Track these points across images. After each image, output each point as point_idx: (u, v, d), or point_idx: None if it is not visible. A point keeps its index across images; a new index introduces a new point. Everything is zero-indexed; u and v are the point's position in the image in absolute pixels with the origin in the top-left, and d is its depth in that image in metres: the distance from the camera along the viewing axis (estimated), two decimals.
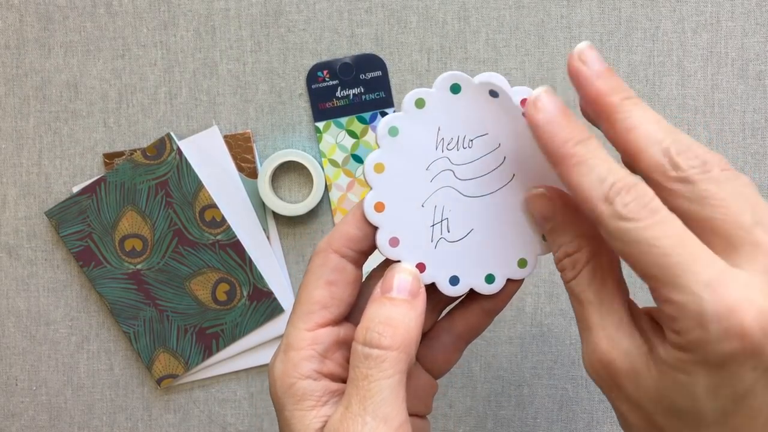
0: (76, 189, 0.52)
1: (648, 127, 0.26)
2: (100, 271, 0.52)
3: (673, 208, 0.25)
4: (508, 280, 0.31)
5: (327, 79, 0.51)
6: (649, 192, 0.25)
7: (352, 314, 0.31)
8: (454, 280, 0.30)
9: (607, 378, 0.27)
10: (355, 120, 0.51)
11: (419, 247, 0.30)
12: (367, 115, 0.51)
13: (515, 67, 0.51)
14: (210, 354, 0.52)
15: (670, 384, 0.25)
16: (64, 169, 0.52)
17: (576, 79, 0.27)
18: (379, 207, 0.29)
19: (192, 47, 0.51)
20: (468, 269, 0.30)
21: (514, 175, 0.30)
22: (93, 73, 0.52)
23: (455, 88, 0.29)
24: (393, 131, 0.29)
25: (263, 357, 0.52)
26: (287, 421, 0.28)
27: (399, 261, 0.30)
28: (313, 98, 0.51)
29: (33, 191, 0.52)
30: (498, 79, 0.29)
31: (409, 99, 0.29)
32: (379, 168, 0.29)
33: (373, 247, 0.30)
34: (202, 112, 0.52)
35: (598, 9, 0.50)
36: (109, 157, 0.52)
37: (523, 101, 0.29)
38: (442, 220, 0.30)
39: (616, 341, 0.26)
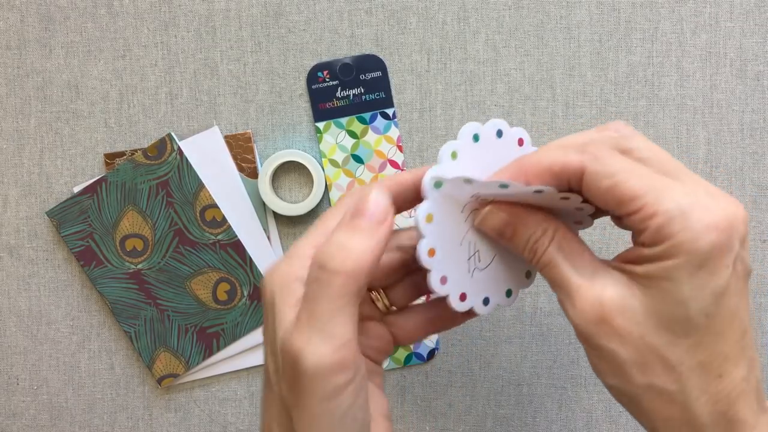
0: (77, 189, 0.52)
1: (565, 142, 0.31)
2: (100, 271, 0.52)
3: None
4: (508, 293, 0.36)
5: (327, 80, 0.51)
6: (604, 142, 0.30)
7: None
8: (486, 301, 0.34)
9: (598, 318, 0.29)
10: (356, 120, 0.51)
11: (462, 280, 0.33)
12: (367, 116, 0.51)
13: (515, 68, 0.51)
14: (210, 353, 0.52)
15: (656, 298, 0.28)
16: (65, 169, 0.52)
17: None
18: (432, 253, 0.32)
19: (193, 48, 0.52)
20: (494, 290, 0.35)
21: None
22: (94, 73, 0.52)
23: (476, 137, 0.33)
24: (438, 184, 0.31)
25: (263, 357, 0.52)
26: (274, 315, 0.29)
27: (447, 295, 0.33)
28: (314, 98, 0.51)
29: (34, 191, 0.53)
30: (501, 124, 0.34)
31: (444, 152, 0.32)
32: (429, 218, 0.31)
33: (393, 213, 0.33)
34: (203, 113, 0.52)
35: (597, 10, 0.51)
36: (110, 157, 0.52)
37: (520, 140, 0.34)
38: (475, 253, 0.33)
39: (597, 279, 0.29)
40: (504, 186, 0.31)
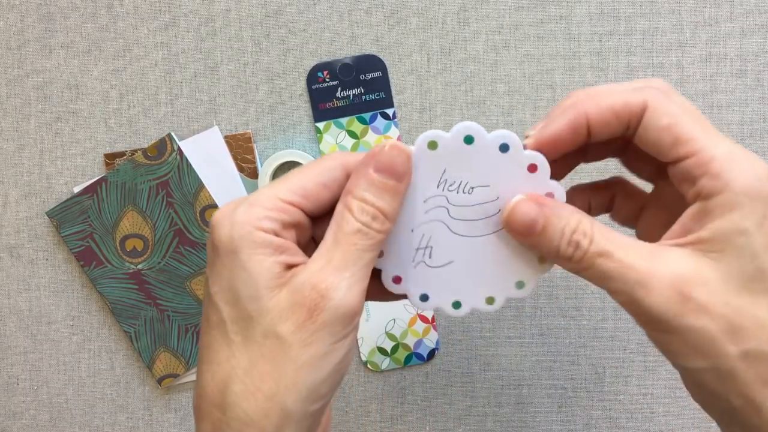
0: (77, 189, 0.52)
1: (611, 88, 0.31)
2: (101, 271, 0.52)
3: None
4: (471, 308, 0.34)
5: (327, 80, 0.51)
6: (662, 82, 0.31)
7: (316, 223, 0.33)
8: (423, 297, 0.33)
9: (679, 295, 0.28)
10: (356, 120, 0.51)
11: (401, 264, 0.33)
12: (367, 116, 0.51)
13: (515, 68, 0.51)
14: None
15: (730, 258, 0.27)
16: (65, 169, 0.52)
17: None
18: None
19: (193, 48, 0.52)
20: (439, 292, 0.33)
21: (502, 228, 0.32)
22: (94, 73, 0.52)
23: (468, 139, 0.31)
24: (432, 145, 0.31)
25: None
26: (242, 263, 0.29)
27: (380, 270, 0.33)
28: (314, 99, 0.51)
29: (34, 191, 0.53)
30: (511, 138, 0.31)
31: (422, 139, 0.32)
32: None
33: None
34: (203, 113, 0.52)
35: (597, 10, 0.51)
36: (110, 158, 0.52)
37: (532, 166, 0.31)
38: (426, 247, 0.33)
39: (664, 261, 0.28)
40: (469, 140, 0.31)
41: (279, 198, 0.30)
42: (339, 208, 0.30)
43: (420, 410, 0.52)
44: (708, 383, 0.28)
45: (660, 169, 0.32)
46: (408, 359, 0.52)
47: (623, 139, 0.32)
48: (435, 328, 0.52)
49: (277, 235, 0.30)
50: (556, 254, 0.30)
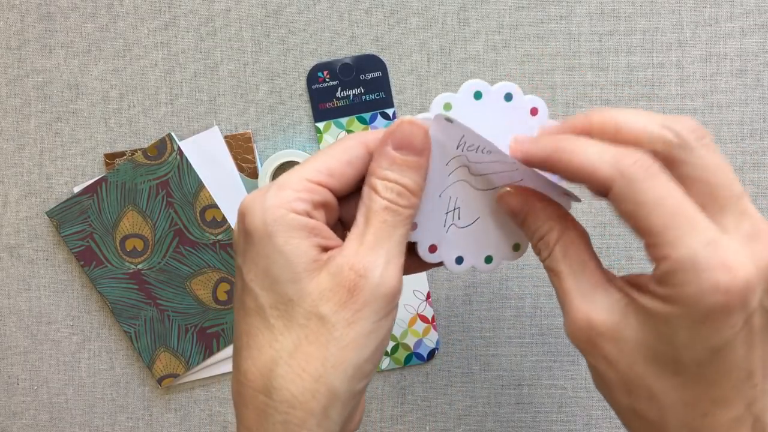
0: (77, 189, 0.52)
1: (634, 118, 0.28)
2: (101, 271, 0.52)
3: (679, 174, 0.27)
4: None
5: (327, 80, 0.51)
6: (647, 156, 0.27)
7: (342, 203, 0.33)
8: (459, 260, 0.34)
9: (587, 339, 0.29)
10: (356, 120, 0.51)
11: (434, 232, 0.33)
12: (367, 116, 0.51)
13: (515, 68, 0.51)
14: (210, 353, 0.52)
15: (651, 333, 0.27)
16: (65, 169, 0.52)
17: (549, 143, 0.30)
18: None
19: (193, 48, 0.52)
20: (471, 251, 0.34)
21: (522, 179, 0.33)
22: (94, 73, 0.52)
23: (478, 95, 0.33)
24: (448, 111, 0.32)
25: None
26: (279, 247, 0.29)
27: (415, 243, 0.33)
28: (314, 99, 0.51)
29: (34, 191, 0.53)
30: (512, 87, 0.33)
31: (438, 102, 0.32)
32: None
33: None
34: (203, 113, 0.52)
35: (597, 10, 0.51)
36: (110, 158, 0.52)
37: (534, 110, 0.33)
38: (454, 209, 0.33)
39: (594, 299, 0.29)
40: (478, 96, 0.31)
41: (307, 179, 0.30)
42: (365, 189, 0.31)
43: (420, 410, 0.52)
44: (613, 408, 0.30)
45: None
46: (408, 359, 0.52)
47: None
48: (435, 328, 0.52)
49: (309, 215, 0.30)
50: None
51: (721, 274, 0.25)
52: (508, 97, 0.33)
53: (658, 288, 0.27)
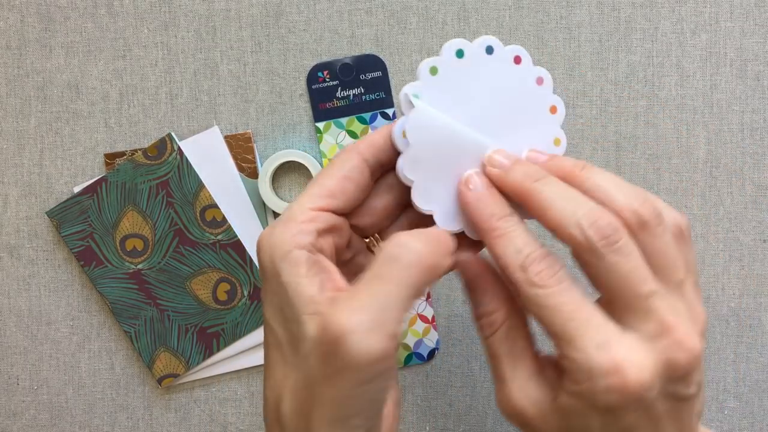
0: (77, 189, 0.52)
1: (560, 204, 0.29)
2: (101, 271, 0.52)
3: (588, 273, 0.29)
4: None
5: (327, 80, 0.51)
6: (557, 263, 0.29)
7: (352, 214, 0.33)
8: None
9: (519, 421, 0.31)
10: (356, 120, 0.51)
11: (451, 200, 0.33)
12: (367, 116, 0.51)
13: None
14: (210, 353, 0.52)
15: (570, 425, 0.29)
16: (66, 169, 0.52)
17: (473, 197, 0.32)
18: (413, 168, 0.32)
19: (193, 48, 0.52)
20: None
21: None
22: (94, 73, 0.52)
23: (459, 53, 0.32)
24: (433, 71, 0.32)
25: (263, 357, 0.52)
26: (284, 286, 0.29)
27: (432, 214, 0.33)
28: (314, 98, 0.51)
29: (34, 191, 0.53)
30: (492, 41, 0.33)
31: (424, 67, 0.32)
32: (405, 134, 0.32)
33: (391, 163, 0.33)
34: (203, 113, 0.52)
35: (597, 10, 0.51)
36: (110, 157, 0.52)
37: (517, 58, 0.33)
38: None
39: (527, 392, 0.30)
40: (490, 51, 0.32)
41: (309, 207, 0.31)
42: (377, 249, 0.31)
43: (420, 410, 0.53)
44: None
45: None
46: (408, 359, 0.52)
47: None
48: (435, 328, 0.52)
49: (315, 246, 0.30)
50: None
51: (612, 377, 0.27)
52: (489, 50, 0.33)
53: (568, 384, 0.29)
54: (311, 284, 0.29)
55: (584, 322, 0.28)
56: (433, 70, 0.32)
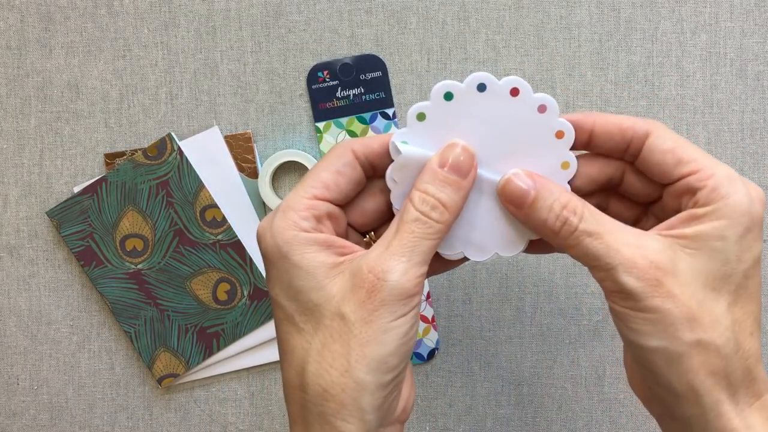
0: (77, 189, 0.52)
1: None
2: (101, 271, 0.52)
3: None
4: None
5: (327, 80, 0.51)
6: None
7: (346, 208, 0.35)
8: (482, 253, 0.35)
9: (654, 279, 0.30)
10: (356, 120, 0.51)
11: (458, 234, 0.34)
12: (367, 116, 0.51)
13: (514, 68, 0.51)
14: (210, 353, 0.52)
15: (705, 256, 0.30)
16: (66, 169, 0.52)
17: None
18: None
19: (193, 48, 0.52)
20: (490, 241, 0.35)
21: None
22: (94, 73, 0.52)
23: (448, 96, 0.33)
24: (420, 117, 0.33)
25: (264, 356, 0.52)
26: (296, 263, 0.32)
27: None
28: (314, 98, 0.51)
29: (34, 191, 0.53)
30: (484, 78, 0.33)
31: (411, 113, 0.33)
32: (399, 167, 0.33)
33: (382, 169, 0.34)
34: (203, 113, 0.52)
35: (597, 10, 0.51)
36: (110, 157, 0.52)
37: (513, 90, 0.33)
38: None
39: (645, 245, 0.31)
40: (482, 88, 0.33)
41: (305, 197, 0.33)
42: (404, 201, 0.33)
43: (420, 410, 0.52)
44: (656, 364, 0.31)
45: (643, 211, 0.36)
46: None
47: (609, 184, 0.35)
48: (435, 328, 0.52)
49: (317, 230, 0.32)
50: (543, 227, 0.32)
51: (753, 188, 0.31)
52: (481, 87, 0.33)
53: (707, 209, 0.30)
54: (327, 254, 0.32)
55: (713, 158, 0.32)
56: (421, 116, 0.33)
